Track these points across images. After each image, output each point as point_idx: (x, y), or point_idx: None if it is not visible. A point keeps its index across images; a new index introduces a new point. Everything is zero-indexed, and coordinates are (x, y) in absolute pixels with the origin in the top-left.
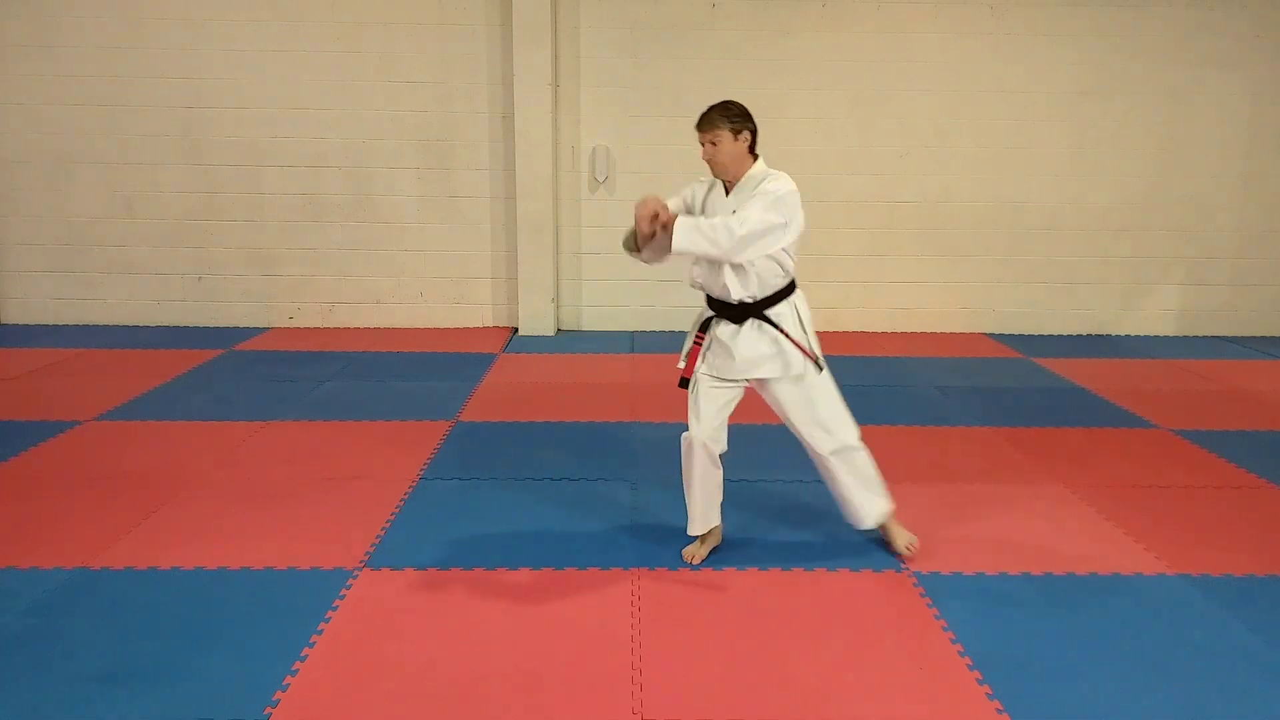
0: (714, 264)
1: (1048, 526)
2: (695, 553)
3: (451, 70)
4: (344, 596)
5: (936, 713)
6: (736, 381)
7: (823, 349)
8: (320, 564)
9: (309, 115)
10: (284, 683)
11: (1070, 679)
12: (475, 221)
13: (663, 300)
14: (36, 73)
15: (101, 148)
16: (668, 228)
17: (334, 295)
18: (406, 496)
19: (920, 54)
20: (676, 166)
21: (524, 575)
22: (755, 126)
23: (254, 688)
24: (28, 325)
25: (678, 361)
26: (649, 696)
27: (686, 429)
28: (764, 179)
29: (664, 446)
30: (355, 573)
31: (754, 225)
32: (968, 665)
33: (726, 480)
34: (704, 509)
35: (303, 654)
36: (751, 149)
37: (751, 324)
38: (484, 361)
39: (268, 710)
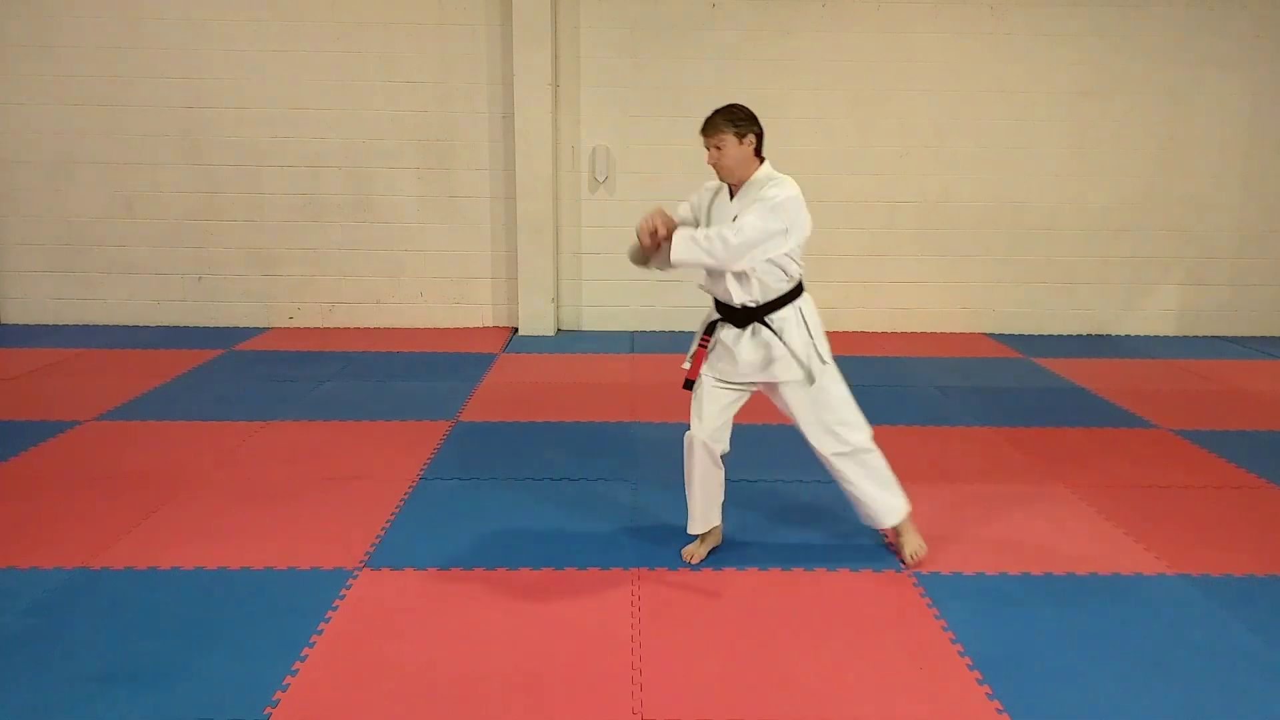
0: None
1: (1048, 526)
2: (695, 552)
3: (451, 70)
4: (344, 596)
5: (936, 713)
6: (741, 384)
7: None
8: (320, 564)
9: (309, 115)
10: (284, 683)
11: (1070, 679)
12: (475, 221)
13: (663, 300)
14: (36, 73)
15: (101, 148)
16: (669, 239)
17: (334, 295)
18: (406, 496)
19: (920, 54)
20: (676, 166)
21: (524, 575)
22: (761, 129)
23: (254, 688)
24: (28, 325)
25: (683, 362)
26: (649, 696)
27: (688, 428)
28: (767, 183)
29: (664, 446)
30: (355, 573)
31: (748, 234)
32: (968, 665)
33: (727, 480)
34: (704, 508)
35: (303, 654)
36: (758, 152)
37: (754, 328)
38: (484, 361)
39: (268, 710)
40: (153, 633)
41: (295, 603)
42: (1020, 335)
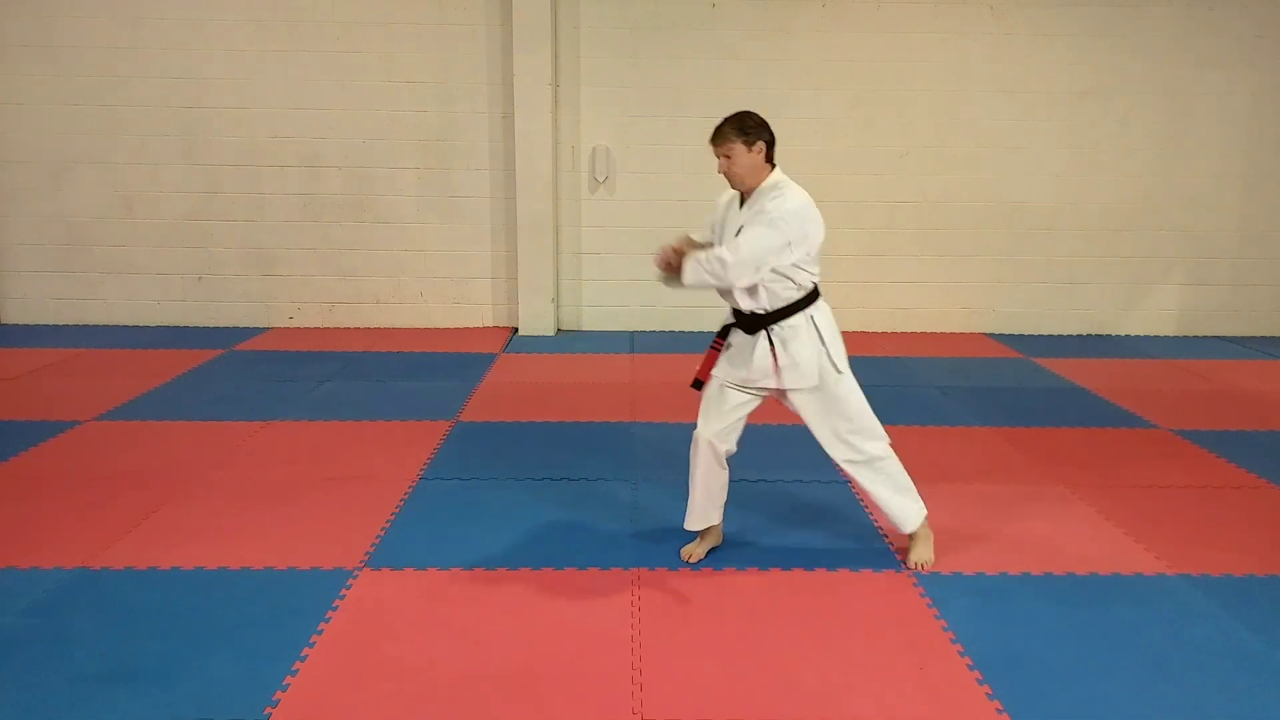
0: None
1: (1048, 526)
2: (694, 551)
3: (451, 70)
4: (344, 596)
5: (936, 713)
6: (752, 389)
7: None
8: (320, 564)
9: (309, 115)
10: (284, 683)
11: (1070, 679)
12: (475, 221)
13: (663, 300)
14: (36, 73)
15: (101, 148)
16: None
17: (334, 295)
18: (406, 496)
19: (920, 54)
20: (677, 166)
21: (524, 575)
22: (772, 136)
23: (254, 688)
24: (28, 325)
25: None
26: (649, 696)
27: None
28: (773, 192)
29: (664, 446)
30: (355, 573)
31: (744, 253)
32: (968, 665)
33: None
34: (703, 506)
35: (303, 654)
36: (769, 158)
37: (763, 335)
38: (484, 361)
39: (268, 710)
40: (153, 633)
41: (295, 603)
42: (1020, 335)
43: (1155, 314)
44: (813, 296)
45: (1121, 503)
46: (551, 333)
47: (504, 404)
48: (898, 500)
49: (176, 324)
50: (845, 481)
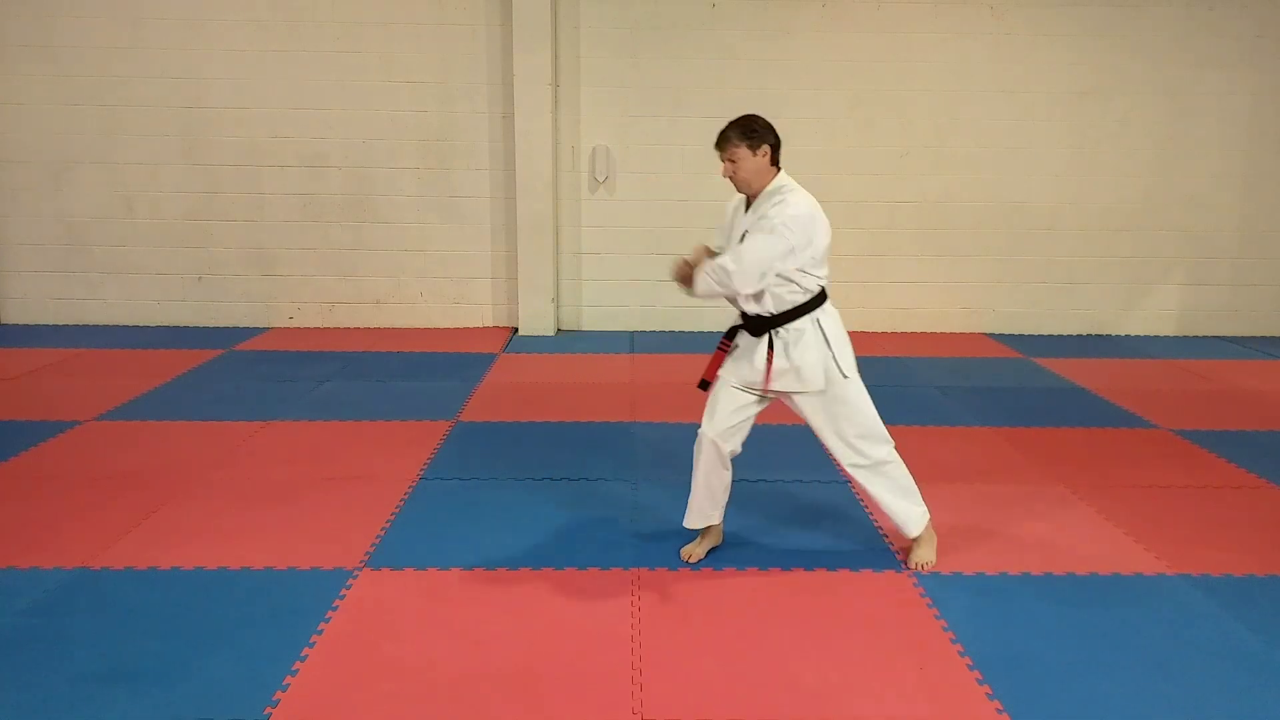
0: None
1: (1047, 526)
2: (693, 551)
3: (451, 70)
4: (344, 596)
5: (936, 713)
6: (756, 389)
7: None
8: (320, 564)
9: (309, 115)
10: (284, 683)
11: (1070, 679)
12: (475, 221)
13: (663, 300)
14: (36, 73)
15: (101, 148)
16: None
17: (334, 295)
18: (406, 496)
19: (920, 54)
20: (677, 166)
21: (524, 575)
22: (777, 139)
23: (254, 688)
24: (28, 325)
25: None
26: (649, 696)
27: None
28: (776, 197)
29: (664, 446)
30: (355, 573)
31: (746, 262)
32: (968, 665)
33: None
34: (703, 505)
35: (303, 654)
36: (774, 161)
37: (768, 338)
38: (484, 361)
39: (268, 710)
40: (153, 633)
41: (295, 603)
42: (1020, 335)
43: (1155, 314)
44: (820, 300)
45: (1121, 503)
46: (551, 333)
47: (504, 404)
48: (902, 505)
49: (176, 324)
50: (845, 481)
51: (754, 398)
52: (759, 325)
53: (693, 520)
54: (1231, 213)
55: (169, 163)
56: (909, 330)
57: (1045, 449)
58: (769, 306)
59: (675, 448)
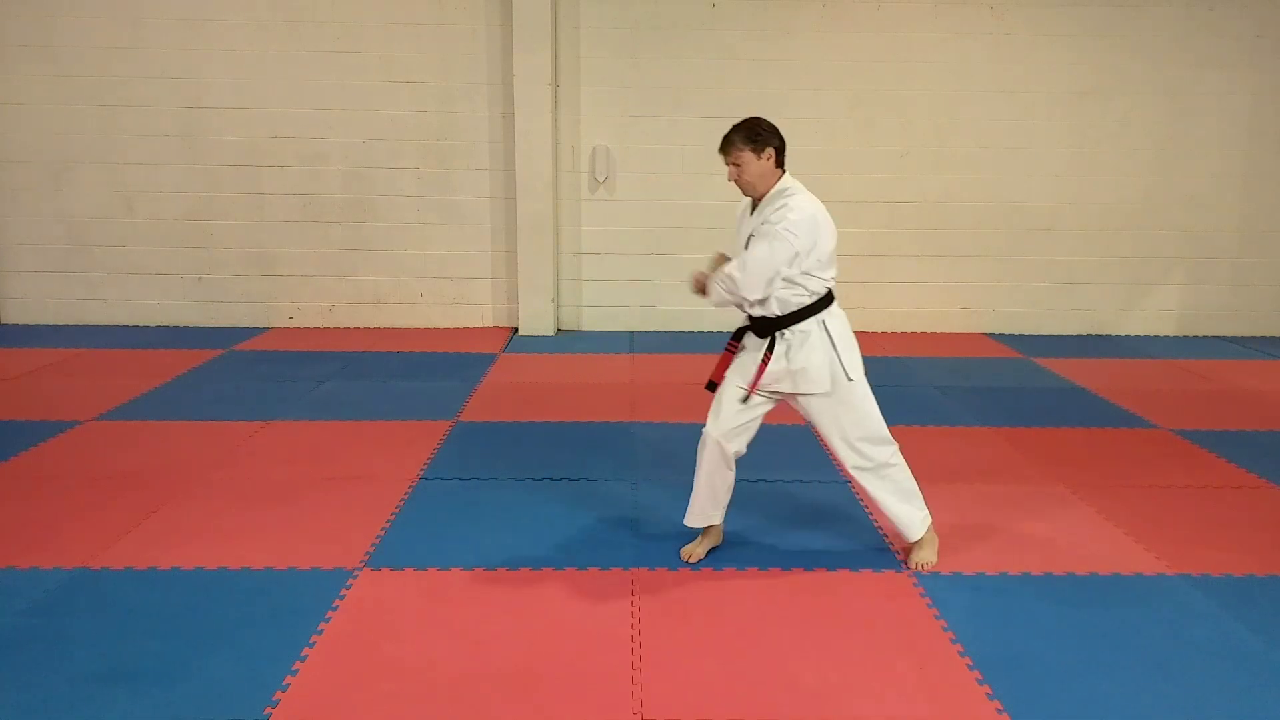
0: None
1: (1048, 526)
2: (693, 551)
3: (451, 70)
4: (344, 596)
5: (936, 713)
6: (763, 390)
7: None
8: (320, 564)
9: (309, 115)
10: (284, 683)
11: (1070, 679)
12: (475, 221)
13: (663, 300)
14: (36, 73)
15: (101, 148)
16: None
17: (334, 295)
18: (406, 496)
19: (920, 54)
20: (677, 166)
21: (524, 575)
22: (781, 142)
23: (254, 688)
24: (28, 325)
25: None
26: (649, 696)
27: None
28: (778, 201)
29: (664, 446)
30: (355, 573)
31: (751, 269)
32: (968, 665)
33: None
34: (704, 505)
35: (303, 654)
36: (780, 163)
37: (773, 339)
38: (484, 361)
39: (268, 710)
40: (153, 633)
41: (295, 603)
42: (1020, 335)
43: (1155, 314)
44: (826, 301)
45: (1121, 503)
46: (551, 333)
47: (504, 404)
48: (903, 509)
49: (176, 324)
50: (845, 481)
51: (760, 399)
52: (765, 327)
53: (694, 519)
54: (1231, 213)
55: (169, 163)
56: (909, 330)
57: (1045, 449)
58: (774, 308)
59: (675, 448)
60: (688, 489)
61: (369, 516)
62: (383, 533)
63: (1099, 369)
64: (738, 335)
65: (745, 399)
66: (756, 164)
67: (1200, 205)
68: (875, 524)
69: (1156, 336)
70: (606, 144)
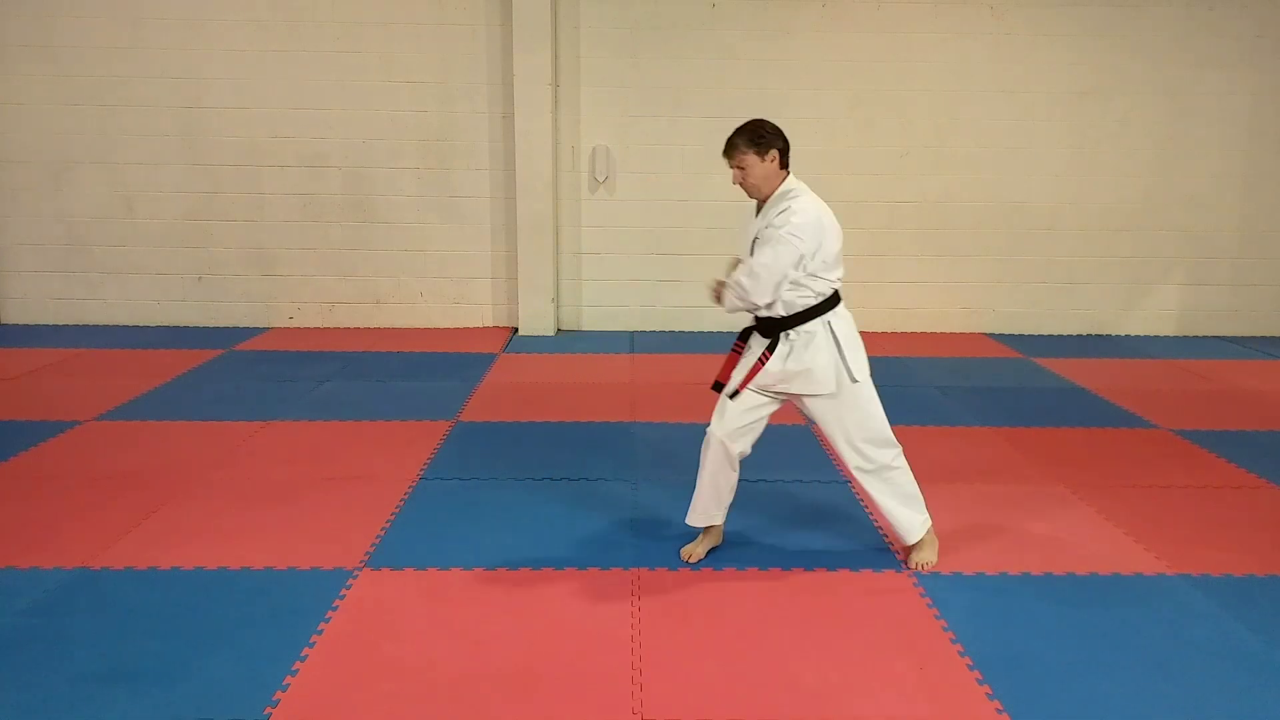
0: None
1: (1048, 526)
2: (693, 551)
3: (451, 70)
4: (344, 596)
5: (936, 713)
6: (767, 391)
7: None
8: (320, 564)
9: (309, 115)
10: (284, 683)
11: (1070, 679)
12: (475, 221)
13: (663, 300)
14: (36, 73)
15: (101, 148)
16: None
17: (334, 295)
18: (406, 496)
19: (920, 54)
20: (677, 166)
21: (524, 575)
22: (785, 143)
23: (254, 688)
24: (28, 325)
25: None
26: (649, 696)
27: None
28: (781, 204)
29: (664, 446)
30: (355, 573)
31: (758, 274)
32: (968, 665)
33: None
34: (707, 504)
35: (303, 654)
36: (784, 164)
37: (779, 340)
38: (484, 361)
39: (268, 710)
40: (153, 633)
41: (295, 603)
42: (1020, 335)
43: (1155, 314)
44: (832, 302)
45: (1121, 503)
46: (551, 333)
47: (504, 404)
48: (904, 512)
49: (176, 324)
50: (845, 482)
51: (764, 399)
52: (770, 327)
53: (695, 519)
54: (1231, 213)
55: (169, 163)
56: (909, 330)
57: (1045, 449)
58: (779, 309)
59: (675, 448)
60: (688, 489)
61: (369, 516)
62: (383, 533)
63: (1099, 369)
64: (744, 335)
65: (733, 395)
66: (760, 167)
67: (1200, 205)
68: (875, 524)
69: (1156, 336)
70: (606, 144)
